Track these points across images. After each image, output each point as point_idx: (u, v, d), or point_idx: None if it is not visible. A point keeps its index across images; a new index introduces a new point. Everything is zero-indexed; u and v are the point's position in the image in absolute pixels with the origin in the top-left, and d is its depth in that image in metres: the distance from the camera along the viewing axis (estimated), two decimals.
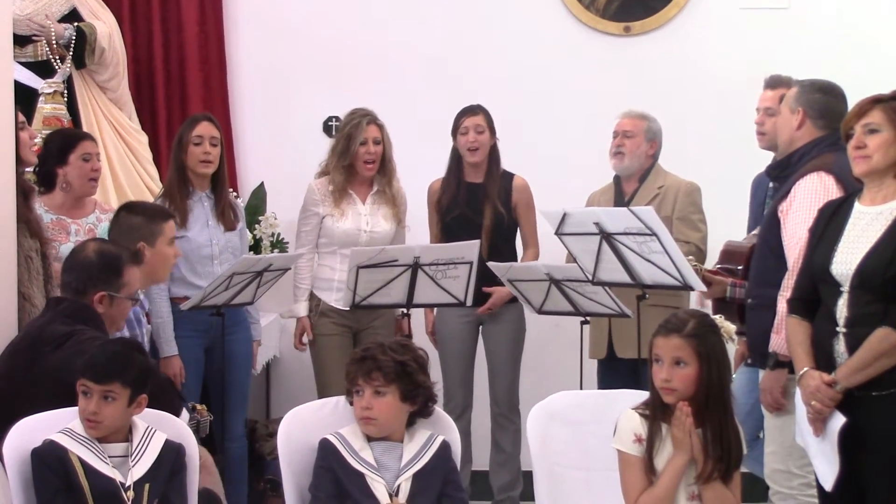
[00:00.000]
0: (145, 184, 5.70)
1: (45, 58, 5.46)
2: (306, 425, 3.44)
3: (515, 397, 5.47)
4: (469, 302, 4.83)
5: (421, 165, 5.50)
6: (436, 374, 5.08)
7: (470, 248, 4.76)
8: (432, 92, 6.12)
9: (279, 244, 5.99)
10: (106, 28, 5.61)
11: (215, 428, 4.52)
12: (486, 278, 4.91)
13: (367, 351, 3.37)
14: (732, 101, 5.81)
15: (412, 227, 5.42)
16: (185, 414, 3.81)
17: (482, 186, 5.41)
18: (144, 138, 5.84)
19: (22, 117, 4.28)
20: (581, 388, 4.79)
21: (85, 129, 5.42)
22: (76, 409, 3.29)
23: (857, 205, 3.55)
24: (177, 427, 3.50)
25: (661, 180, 5.29)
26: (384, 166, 5.28)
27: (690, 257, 4.51)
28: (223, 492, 3.92)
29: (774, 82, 4.88)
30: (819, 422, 3.46)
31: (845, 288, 3.44)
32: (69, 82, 5.51)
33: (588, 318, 4.94)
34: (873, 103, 3.51)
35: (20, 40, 5.26)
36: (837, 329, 3.44)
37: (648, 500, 3.23)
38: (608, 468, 3.37)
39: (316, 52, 6.26)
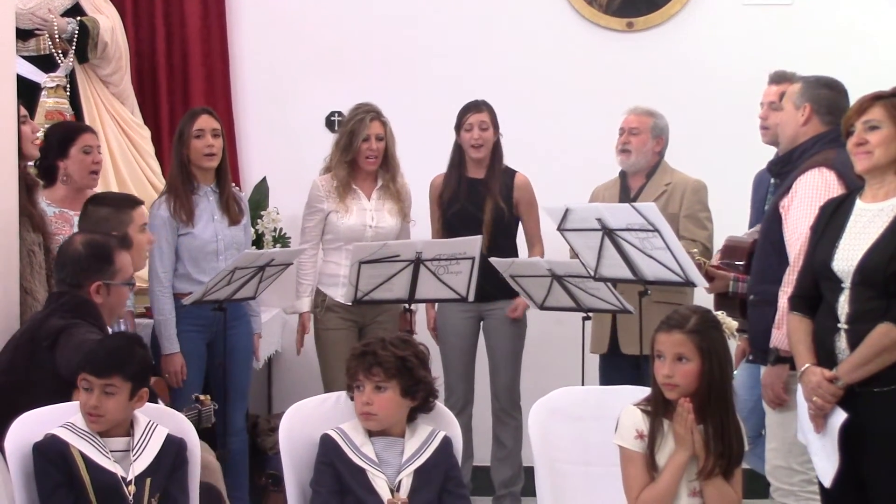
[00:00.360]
0: (147, 178, 5.70)
1: (47, 52, 5.46)
2: (308, 420, 3.44)
3: (517, 393, 5.47)
4: (471, 297, 4.82)
5: (423, 160, 5.49)
6: (437, 369, 5.10)
7: (472, 244, 4.75)
8: (435, 87, 6.11)
9: (281, 239, 5.99)
10: (108, 22, 5.61)
11: (217, 422, 4.51)
12: (487, 274, 4.90)
13: (368, 346, 3.37)
14: (735, 96, 5.80)
15: (414, 223, 5.43)
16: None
17: (484, 182, 5.41)
18: (147, 133, 5.84)
19: (24, 111, 4.29)
20: (583, 384, 4.79)
21: (87, 123, 5.42)
22: (77, 403, 3.29)
23: (858, 202, 3.55)
24: (178, 422, 3.51)
25: (668, 177, 5.29)
26: (387, 162, 5.29)
27: (695, 251, 4.51)
28: (224, 487, 3.93)
29: (779, 77, 4.87)
30: (820, 418, 3.46)
31: (847, 284, 3.44)
32: (72, 76, 5.52)
33: (590, 314, 4.94)
34: (874, 100, 3.52)
35: (23, 34, 5.26)
36: (839, 325, 3.44)
37: (650, 497, 3.23)
38: (609, 464, 3.36)
39: (319, 47, 6.25)
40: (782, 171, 4.17)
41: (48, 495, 3.17)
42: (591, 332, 5.19)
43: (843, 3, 6.17)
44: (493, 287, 5.09)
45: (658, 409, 3.27)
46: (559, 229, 4.54)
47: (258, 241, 5.83)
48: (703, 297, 4.86)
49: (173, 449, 3.35)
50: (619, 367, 5.16)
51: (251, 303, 5.05)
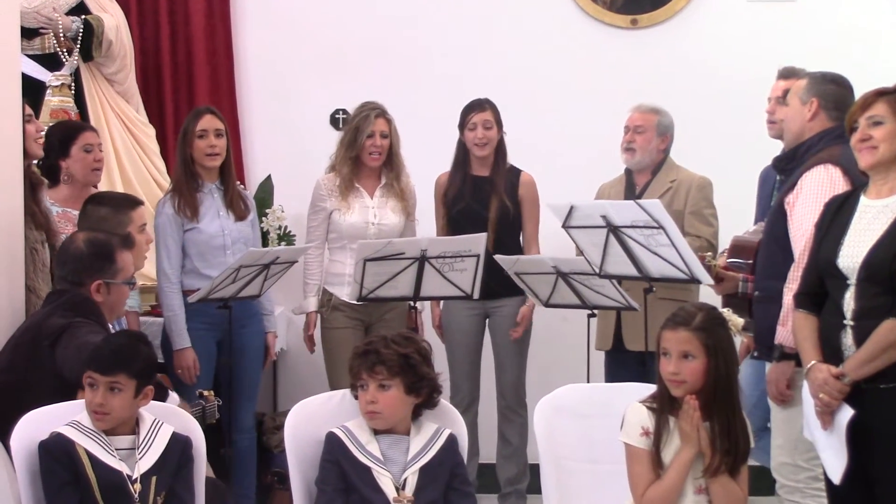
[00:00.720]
0: (152, 176, 5.70)
1: (52, 50, 5.47)
2: (313, 418, 3.44)
3: (522, 390, 5.47)
4: (476, 295, 4.82)
5: (425, 159, 5.49)
6: (442, 366, 5.10)
7: (477, 241, 4.75)
8: (438, 84, 6.11)
9: (286, 237, 5.99)
10: (113, 21, 5.61)
11: (223, 420, 4.51)
12: (492, 271, 4.90)
13: (370, 345, 3.36)
14: (739, 93, 5.80)
15: (418, 221, 5.43)
16: (173, 396, 3.82)
17: (488, 179, 5.41)
18: (152, 131, 5.85)
19: (29, 110, 4.29)
20: (588, 382, 4.79)
21: (92, 121, 5.44)
22: (83, 401, 3.30)
23: (862, 198, 3.55)
24: (184, 420, 3.51)
25: (673, 174, 5.28)
26: (392, 160, 5.28)
27: (709, 254, 4.51)
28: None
29: (788, 73, 4.87)
30: (827, 415, 3.46)
31: (852, 281, 3.44)
32: (76, 75, 5.53)
33: (595, 312, 4.93)
34: (878, 96, 3.52)
35: (28, 33, 5.26)
36: (845, 322, 3.44)
37: (655, 494, 3.23)
38: (615, 461, 3.36)
39: (323, 45, 6.25)
40: (788, 168, 4.17)
41: (54, 493, 3.17)
42: (596, 329, 5.19)
43: (847, 0, 6.16)
44: (498, 285, 5.08)
45: (664, 406, 3.27)
46: (564, 226, 4.54)
47: (263, 239, 5.82)
48: (708, 294, 4.86)
49: (179, 447, 3.35)
50: (624, 364, 5.16)
51: (264, 301, 5.05)
